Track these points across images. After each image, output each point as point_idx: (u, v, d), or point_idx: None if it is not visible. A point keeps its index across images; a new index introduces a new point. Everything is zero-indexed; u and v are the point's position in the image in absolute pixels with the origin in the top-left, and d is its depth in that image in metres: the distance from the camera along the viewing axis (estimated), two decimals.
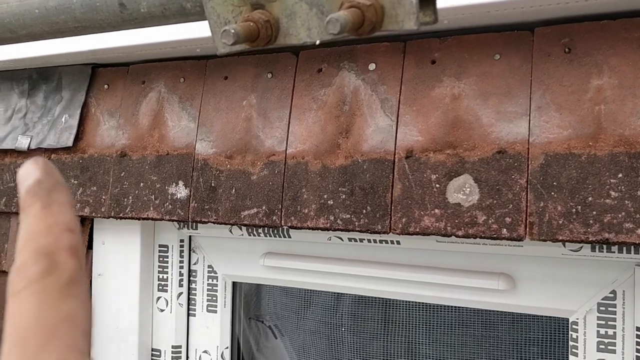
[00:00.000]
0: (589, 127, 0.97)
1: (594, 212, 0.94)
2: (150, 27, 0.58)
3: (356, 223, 1.13)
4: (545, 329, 1.29)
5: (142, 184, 1.37)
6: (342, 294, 1.55)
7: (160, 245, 1.49)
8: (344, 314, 1.61)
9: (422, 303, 1.45)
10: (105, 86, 1.50)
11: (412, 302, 1.43)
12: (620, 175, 0.93)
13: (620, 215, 0.92)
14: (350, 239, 1.28)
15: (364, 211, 1.12)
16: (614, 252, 1.05)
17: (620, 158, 0.94)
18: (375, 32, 0.49)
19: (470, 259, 1.19)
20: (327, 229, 1.16)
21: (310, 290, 1.62)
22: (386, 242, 1.24)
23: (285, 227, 1.23)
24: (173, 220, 1.33)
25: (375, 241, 1.25)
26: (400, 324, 1.50)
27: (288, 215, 1.19)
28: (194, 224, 1.44)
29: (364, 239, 1.26)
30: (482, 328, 1.35)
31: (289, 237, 1.35)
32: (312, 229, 1.17)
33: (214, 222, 1.28)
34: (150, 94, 1.42)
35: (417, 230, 1.07)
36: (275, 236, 1.36)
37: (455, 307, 1.36)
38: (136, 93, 1.44)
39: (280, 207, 1.21)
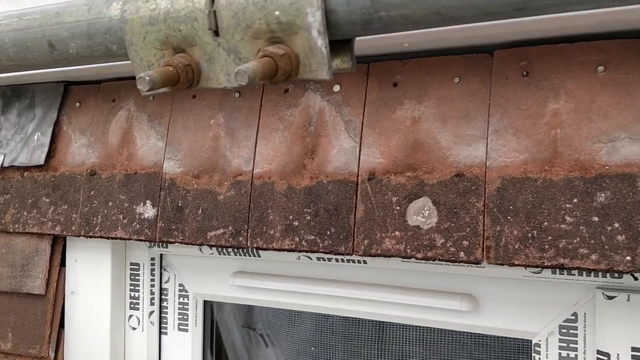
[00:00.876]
0: (545, 151, 0.97)
1: (550, 237, 0.94)
2: (81, 65, 0.59)
3: (320, 244, 1.13)
4: (510, 350, 1.29)
5: (110, 203, 1.37)
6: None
7: (131, 263, 1.49)
8: (334, 322, 1.62)
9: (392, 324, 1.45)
10: (77, 104, 1.50)
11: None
12: (575, 200, 0.93)
13: (575, 241, 0.92)
14: (318, 258, 1.28)
15: (328, 232, 1.12)
16: (574, 274, 1.05)
17: (576, 183, 0.94)
18: (291, 80, 0.49)
19: (434, 279, 1.19)
20: (293, 250, 1.16)
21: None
22: (353, 261, 1.24)
23: (251, 248, 1.23)
24: (140, 240, 1.33)
25: (342, 260, 1.25)
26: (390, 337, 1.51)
27: (254, 236, 1.20)
28: (163, 243, 1.45)
29: (332, 258, 1.26)
30: (447, 347, 1.35)
31: (259, 256, 1.35)
32: (278, 250, 1.17)
33: (180, 243, 1.28)
34: (120, 112, 1.42)
35: (379, 252, 1.07)
36: (244, 255, 1.36)
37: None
38: (107, 111, 1.45)
39: (246, 227, 1.21)
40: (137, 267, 1.48)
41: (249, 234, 1.20)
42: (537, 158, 0.97)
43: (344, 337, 1.59)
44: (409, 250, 1.05)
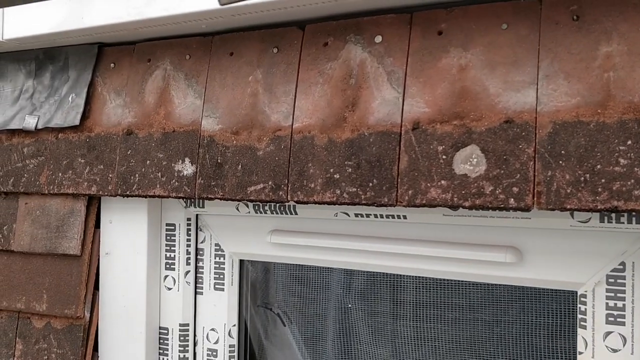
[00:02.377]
0: (598, 94, 0.96)
1: (603, 180, 0.93)
2: None
3: (362, 196, 1.12)
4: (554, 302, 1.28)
5: (148, 162, 1.37)
6: (349, 281, 1.55)
7: (167, 224, 1.49)
8: (353, 297, 1.61)
9: (432, 284, 1.44)
10: (112, 65, 1.50)
11: (422, 284, 1.42)
12: (629, 142, 0.92)
13: (629, 183, 0.91)
14: (356, 215, 1.27)
15: (370, 184, 1.12)
16: (623, 222, 1.04)
17: (630, 125, 0.92)
18: None
19: (477, 232, 1.18)
20: (334, 203, 1.15)
21: (319, 276, 1.63)
22: (392, 217, 1.23)
23: (291, 203, 1.22)
24: (179, 198, 1.33)
25: (381, 216, 1.25)
26: (408, 304, 1.49)
27: (294, 190, 1.19)
28: (201, 201, 1.45)
29: (370, 215, 1.26)
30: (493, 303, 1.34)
31: (296, 213, 1.35)
32: (319, 203, 1.17)
33: (220, 199, 1.27)
34: (156, 72, 1.42)
35: (424, 202, 1.06)
36: (281, 213, 1.36)
37: (467, 282, 1.35)
38: (142, 71, 1.44)
39: (286, 182, 1.20)
40: (173, 227, 1.48)
41: (289, 188, 1.20)
42: (589, 102, 0.96)
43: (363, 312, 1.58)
44: (455, 199, 1.04)
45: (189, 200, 1.46)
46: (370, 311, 1.54)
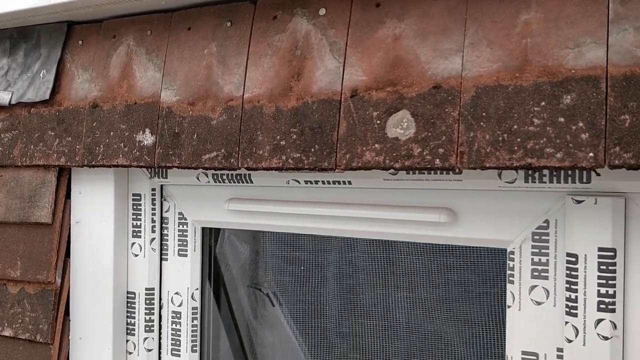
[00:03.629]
0: (516, 59, 1.02)
1: (519, 139, 0.99)
2: None
3: (305, 161, 1.19)
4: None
5: (112, 133, 1.44)
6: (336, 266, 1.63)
7: (133, 194, 1.56)
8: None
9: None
10: (80, 42, 1.57)
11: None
12: (543, 103, 0.98)
13: (542, 141, 0.97)
14: (306, 182, 1.34)
15: (312, 150, 1.18)
16: (546, 182, 1.10)
17: (544, 87, 0.99)
18: None
19: (414, 195, 1.25)
20: (279, 169, 1.22)
21: (310, 256, 1.71)
22: (339, 182, 1.30)
23: (243, 171, 1.29)
24: (140, 167, 1.40)
25: (329, 182, 1.31)
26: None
27: (244, 157, 1.26)
28: (164, 172, 1.52)
29: (319, 181, 1.33)
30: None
31: (251, 182, 1.42)
32: (266, 169, 1.24)
33: (177, 167, 1.34)
34: (120, 48, 1.49)
35: (359, 165, 1.13)
36: (238, 182, 1.43)
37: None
38: (107, 47, 1.51)
39: (237, 149, 1.27)
40: (139, 197, 1.55)
41: (239, 156, 1.26)
42: (508, 66, 1.02)
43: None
44: (387, 161, 1.10)
45: (152, 171, 1.53)
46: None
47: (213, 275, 1.63)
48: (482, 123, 1.03)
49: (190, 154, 1.32)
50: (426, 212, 1.22)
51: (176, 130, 1.35)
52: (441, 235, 1.23)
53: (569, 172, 1.08)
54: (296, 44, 1.24)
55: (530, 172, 1.11)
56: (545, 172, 1.10)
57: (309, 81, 1.21)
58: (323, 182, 1.32)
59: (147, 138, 1.39)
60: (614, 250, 1.04)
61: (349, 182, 1.29)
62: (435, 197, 1.23)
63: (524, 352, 1.15)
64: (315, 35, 1.22)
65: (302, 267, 1.80)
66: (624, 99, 0.92)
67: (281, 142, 1.22)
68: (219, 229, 1.64)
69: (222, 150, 1.28)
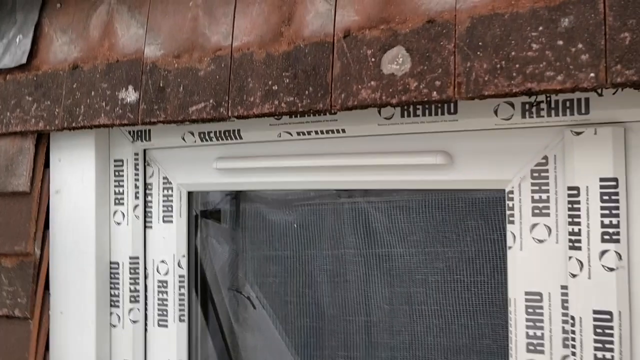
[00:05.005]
0: None
1: (517, 65, 0.98)
2: None
3: (299, 104, 1.16)
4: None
5: (93, 93, 1.39)
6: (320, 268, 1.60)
7: (115, 160, 1.51)
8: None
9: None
10: (58, 5, 1.52)
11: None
12: (540, 27, 0.97)
13: (541, 65, 0.96)
14: (298, 133, 1.31)
15: (307, 92, 1.15)
16: (543, 116, 1.09)
17: (540, 12, 0.98)
18: None
19: (410, 140, 1.23)
20: (272, 114, 1.19)
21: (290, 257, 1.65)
22: (332, 131, 1.27)
23: (232, 120, 1.25)
24: (123, 125, 1.35)
25: (322, 132, 1.28)
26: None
27: (234, 105, 1.22)
28: (147, 134, 1.47)
29: (312, 132, 1.30)
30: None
31: (240, 138, 1.38)
32: (258, 115, 1.20)
33: (163, 122, 1.30)
34: (101, 7, 1.44)
35: (355, 103, 1.10)
36: (227, 139, 1.39)
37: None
38: (87, 8, 1.47)
39: (227, 98, 1.23)
40: (121, 163, 1.50)
41: (229, 104, 1.23)
42: None
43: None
44: (384, 98, 1.08)
45: (135, 134, 1.48)
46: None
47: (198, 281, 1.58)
48: (478, 52, 1.01)
49: (177, 107, 1.28)
50: (422, 155, 1.19)
51: (161, 85, 1.31)
52: (438, 179, 1.20)
53: (567, 103, 1.07)
54: None
55: (527, 106, 1.10)
56: (543, 106, 1.09)
57: (300, 25, 1.19)
58: (316, 132, 1.29)
59: (130, 95, 1.34)
60: (615, 179, 1.03)
61: (343, 131, 1.26)
62: (430, 140, 1.21)
63: (527, 293, 1.13)
64: None
65: (287, 264, 1.73)
66: (623, 17, 0.92)
67: (273, 87, 1.19)
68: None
69: (211, 101, 1.25)
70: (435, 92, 1.04)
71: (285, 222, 1.65)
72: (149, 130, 1.48)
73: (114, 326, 1.50)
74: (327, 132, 1.28)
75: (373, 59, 1.10)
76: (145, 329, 1.50)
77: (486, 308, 1.36)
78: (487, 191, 1.30)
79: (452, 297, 1.40)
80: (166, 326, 1.48)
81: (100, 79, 1.39)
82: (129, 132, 1.50)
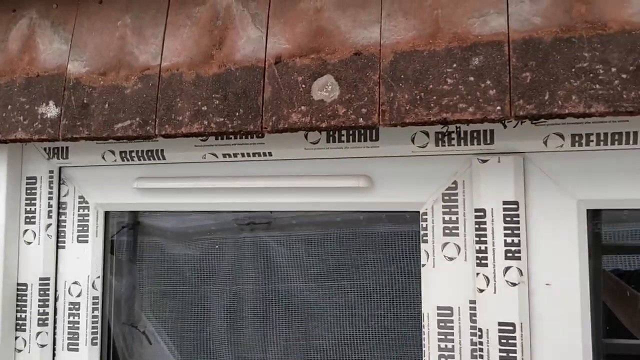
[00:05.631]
0: (430, 27, 1.12)
1: (434, 97, 1.08)
2: None
3: (229, 125, 1.20)
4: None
5: (9, 107, 1.35)
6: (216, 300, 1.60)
7: (27, 178, 1.46)
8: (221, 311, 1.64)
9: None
10: None
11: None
12: (454, 65, 1.09)
13: (455, 98, 1.07)
14: (224, 155, 1.34)
15: (237, 114, 1.20)
16: (454, 145, 1.20)
17: (455, 51, 1.09)
18: None
19: (334, 165, 1.30)
20: (202, 134, 1.21)
21: (188, 289, 1.64)
22: (259, 154, 1.32)
23: (159, 139, 1.26)
24: (42, 140, 1.31)
25: (248, 155, 1.33)
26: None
27: (162, 124, 1.24)
28: (64, 152, 1.44)
29: (238, 154, 1.33)
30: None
31: (164, 158, 1.39)
32: (187, 135, 1.22)
33: (86, 138, 1.28)
34: (21, 21, 1.41)
35: (286, 126, 1.16)
36: (149, 159, 1.39)
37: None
38: (7, 21, 1.43)
39: (154, 117, 1.25)
40: (34, 180, 1.45)
41: (156, 123, 1.24)
42: (422, 34, 1.12)
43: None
44: (314, 122, 1.15)
45: (52, 151, 1.45)
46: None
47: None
48: (401, 84, 1.11)
49: (101, 123, 1.27)
50: (346, 179, 1.27)
51: (85, 101, 1.30)
52: (359, 201, 1.28)
53: (475, 134, 1.19)
54: (217, 15, 1.26)
55: (440, 135, 1.20)
56: (454, 136, 1.20)
57: (231, 49, 1.24)
58: (242, 155, 1.33)
59: (51, 110, 1.32)
60: (516, 202, 1.15)
61: (270, 154, 1.31)
62: (353, 165, 1.29)
63: (439, 307, 1.21)
64: (237, 7, 1.26)
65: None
66: (524, 59, 1.05)
67: (203, 108, 1.22)
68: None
69: (137, 119, 1.25)
70: (361, 119, 1.12)
71: (184, 256, 1.65)
72: (67, 148, 1.44)
73: (19, 351, 1.42)
74: (254, 154, 1.32)
75: (303, 85, 1.17)
76: (54, 354, 1.44)
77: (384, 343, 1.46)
78: (388, 226, 1.40)
79: (351, 331, 1.47)
80: (77, 350, 1.43)
81: (18, 93, 1.35)
82: (45, 149, 1.45)
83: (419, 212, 1.25)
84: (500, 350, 1.14)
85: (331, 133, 1.28)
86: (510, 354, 1.14)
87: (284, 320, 1.58)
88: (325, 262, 1.55)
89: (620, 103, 0.98)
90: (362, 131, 1.25)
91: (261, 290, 1.61)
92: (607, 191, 1.14)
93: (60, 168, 1.47)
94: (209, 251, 1.64)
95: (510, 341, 1.14)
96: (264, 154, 1.32)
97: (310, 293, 1.57)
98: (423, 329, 1.23)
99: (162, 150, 1.38)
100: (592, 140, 1.12)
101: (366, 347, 1.51)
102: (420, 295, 1.24)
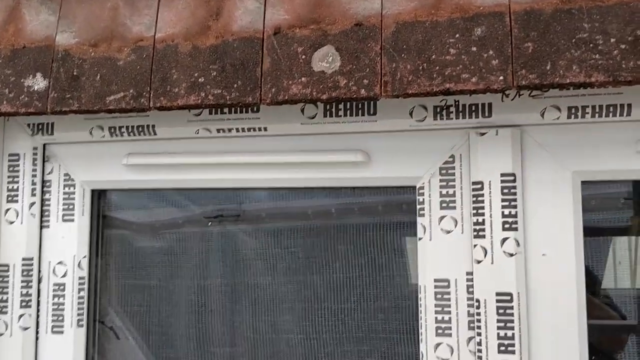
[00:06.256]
0: None
1: (437, 67, 1.09)
2: None
3: (227, 97, 1.18)
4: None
5: None
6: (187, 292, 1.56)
7: (10, 155, 1.41)
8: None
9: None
10: None
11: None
12: (457, 35, 1.09)
13: (458, 68, 1.08)
14: (218, 130, 1.32)
15: (235, 85, 1.18)
16: (452, 119, 1.21)
17: (457, 22, 1.10)
18: None
19: (331, 140, 1.29)
20: (199, 106, 1.19)
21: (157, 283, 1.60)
22: (253, 129, 1.30)
23: (153, 112, 1.23)
24: (29, 113, 1.27)
25: (243, 130, 1.31)
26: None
27: (157, 96, 1.21)
28: (50, 128, 1.40)
29: (232, 129, 1.31)
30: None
31: (155, 134, 1.36)
32: (183, 107, 1.20)
33: (76, 111, 1.25)
34: None
35: (286, 98, 1.15)
36: (139, 134, 1.36)
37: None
38: None
39: (148, 89, 1.22)
40: (17, 157, 1.40)
41: (151, 95, 1.21)
42: (425, 4, 1.13)
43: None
44: (314, 93, 1.14)
45: (36, 128, 1.40)
46: None
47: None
48: (403, 55, 1.11)
49: (93, 96, 1.24)
50: (342, 153, 1.26)
51: (75, 73, 1.26)
52: (356, 176, 1.28)
53: (473, 107, 1.20)
54: None
55: (439, 109, 1.21)
56: (452, 109, 1.21)
57: (228, 20, 1.22)
58: (237, 130, 1.31)
59: (38, 82, 1.27)
60: (514, 175, 1.17)
61: (265, 129, 1.30)
62: (350, 140, 1.28)
63: (436, 280, 1.22)
64: None
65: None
66: (526, 30, 1.07)
67: (200, 79, 1.20)
68: None
69: (131, 91, 1.22)
70: (363, 90, 1.12)
71: (152, 249, 1.61)
72: (52, 124, 1.40)
73: (1, 334, 1.36)
74: (249, 129, 1.31)
75: (304, 56, 1.16)
76: (37, 337, 1.39)
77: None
78: (363, 218, 1.40)
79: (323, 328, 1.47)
80: (62, 332, 1.38)
81: (3, 65, 1.30)
82: (29, 125, 1.41)
83: (414, 186, 1.25)
84: (498, 320, 1.16)
85: (328, 107, 1.27)
86: (508, 324, 1.15)
87: (253, 313, 1.55)
88: (296, 255, 1.53)
89: (620, 72, 1.00)
90: (360, 105, 1.25)
91: (230, 283, 1.58)
92: (601, 163, 1.16)
93: (44, 145, 1.43)
94: (177, 245, 1.61)
95: (507, 311, 1.15)
96: (259, 129, 1.30)
97: (280, 287, 1.55)
98: (420, 302, 1.23)
99: (153, 126, 1.35)
100: (588, 113, 1.15)
101: (342, 341, 1.49)
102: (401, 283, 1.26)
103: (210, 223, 1.53)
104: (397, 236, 1.39)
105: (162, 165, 1.36)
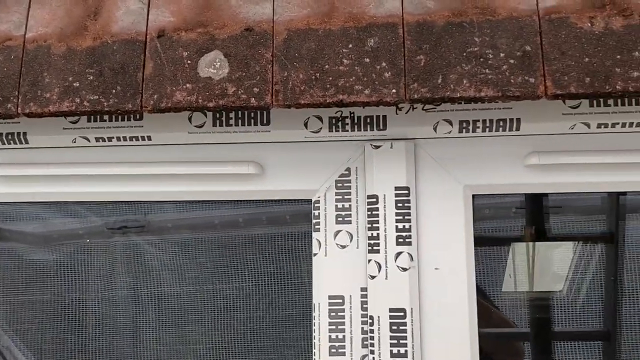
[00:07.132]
0: (325, 6, 1.09)
1: (330, 78, 1.05)
2: None
3: (105, 103, 1.08)
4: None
5: None
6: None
7: None
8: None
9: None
10: None
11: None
12: (350, 45, 1.06)
13: (352, 79, 1.05)
14: (97, 139, 1.22)
15: (114, 91, 1.08)
16: (347, 131, 1.18)
17: (351, 31, 1.07)
18: None
19: (221, 150, 1.22)
20: (73, 113, 1.09)
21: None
22: (136, 138, 1.21)
23: (22, 118, 1.11)
24: None
25: (124, 138, 1.21)
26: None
27: (26, 101, 1.09)
28: None
29: (113, 138, 1.21)
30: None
31: (26, 142, 1.23)
32: (55, 114, 1.09)
33: None
34: None
35: (169, 105, 1.07)
36: (9, 143, 1.23)
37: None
38: None
39: (16, 93, 1.10)
40: None
41: (19, 100, 1.10)
42: (317, 12, 1.09)
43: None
44: (200, 101, 1.07)
45: None
46: None
47: None
48: (295, 63, 1.07)
49: None
50: (234, 165, 1.20)
51: None
52: (249, 189, 1.22)
53: (368, 120, 1.17)
54: None
55: (334, 120, 1.18)
56: (348, 121, 1.18)
57: (108, 21, 1.12)
58: (118, 139, 1.21)
59: None
60: (408, 188, 1.15)
61: (149, 138, 1.21)
62: (242, 150, 1.22)
63: (330, 297, 1.18)
64: None
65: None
66: (418, 42, 1.05)
67: (74, 84, 1.09)
68: None
69: None
70: (253, 99, 1.06)
71: (46, 262, 1.51)
72: None
73: None
74: (131, 138, 1.21)
75: (189, 61, 1.08)
76: None
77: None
78: (268, 228, 1.37)
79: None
80: None
81: None
82: None
83: (311, 200, 1.21)
84: (391, 337, 1.13)
85: (218, 116, 1.20)
86: (401, 340, 1.13)
87: (160, 325, 1.48)
88: (203, 265, 1.48)
89: (509, 87, 1.01)
90: (253, 114, 1.19)
91: (134, 295, 1.50)
92: (491, 177, 1.17)
93: None
94: (76, 257, 1.51)
95: (400, 327, 1.13)
96: (143, 138, 1.21)
97: (186, 297, 1.50)
98: (313, 320, 1.19)
99: (24, 133, 1.23)
100: (479, 127, 1.15)
101: (249, 348, 1.46)
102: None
103: (113, 235, 1.45)
104: (306, 245, 1.36)
105: (37, 177, 1.23)
